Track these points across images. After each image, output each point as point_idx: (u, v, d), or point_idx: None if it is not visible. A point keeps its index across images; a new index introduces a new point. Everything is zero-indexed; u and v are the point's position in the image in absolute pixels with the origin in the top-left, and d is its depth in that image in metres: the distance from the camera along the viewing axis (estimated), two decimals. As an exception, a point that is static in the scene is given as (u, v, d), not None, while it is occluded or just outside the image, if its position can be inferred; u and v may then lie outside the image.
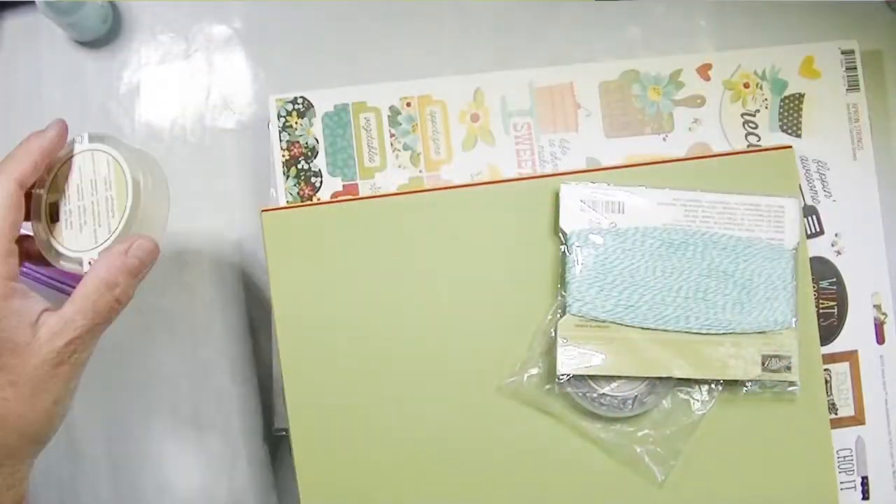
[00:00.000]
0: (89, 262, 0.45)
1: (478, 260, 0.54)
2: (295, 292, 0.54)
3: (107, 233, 0.46)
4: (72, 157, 0.47)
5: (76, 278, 0.47)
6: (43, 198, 0.47)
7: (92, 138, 0.47)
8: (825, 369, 0.56)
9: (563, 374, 0.52)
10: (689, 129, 0.58)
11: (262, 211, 0.54)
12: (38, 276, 0.57)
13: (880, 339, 0.57)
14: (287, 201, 0.57)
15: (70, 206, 0.46)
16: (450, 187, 0.55)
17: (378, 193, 0.56)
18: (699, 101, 0.58)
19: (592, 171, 0.56)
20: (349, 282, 0.54)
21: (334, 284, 0.54)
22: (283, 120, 0.57)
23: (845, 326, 0.57)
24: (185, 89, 0.60)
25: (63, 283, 0.57)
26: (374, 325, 0.54)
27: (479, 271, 0.54)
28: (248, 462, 0.58)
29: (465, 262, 0.54)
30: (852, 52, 0.58)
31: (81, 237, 0.46)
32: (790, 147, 0.55)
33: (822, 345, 0.55)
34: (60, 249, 0.46)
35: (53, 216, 0.46)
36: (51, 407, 0.42)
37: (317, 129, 0.57)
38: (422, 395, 0.53)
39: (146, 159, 0.48)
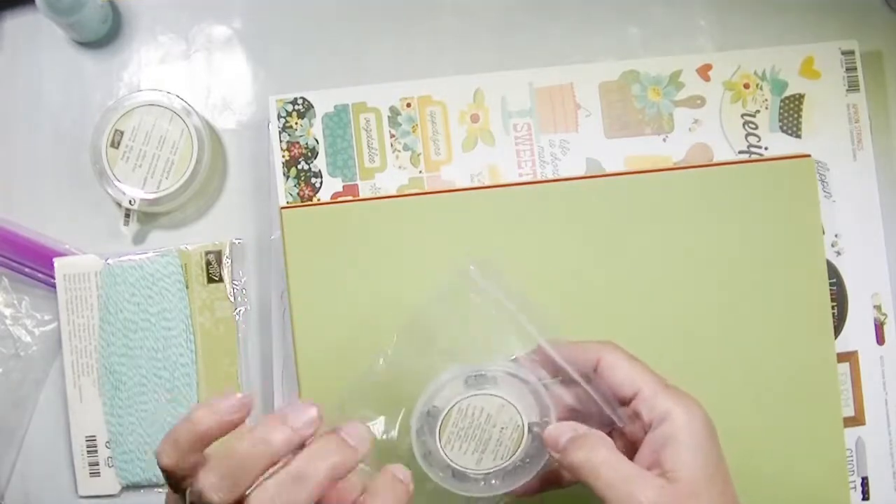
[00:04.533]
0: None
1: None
2: (313, 289, 0.54)
3: None
4: None
5: (32, 258, 0.56)
6: None
7: None
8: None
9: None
10: (689, 129, 0.58)
11: (282, 208, 0.54)
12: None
13: (880, 339, 0.57)
14: (287, 202, 0.57)
15: None
16: (485, 187, 0.55)
17: (404, 193, 0.56)
18: (699, 101, 0.58)
19: (597, 176, 0.56)
20: (370, 280, 0.54)
21: (356, 283, 0.54)
22: (283, 120, 0.57)
23: (845, 327, 0.57)
24: (185, 90, 0.60)
25: (21, 264, 0.58)
26: (393, 324, 0.54)
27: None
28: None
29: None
30: (852, 52, 0.58)
31: None
32: (809, 156, 0.55)
33: (821, 345, 0.56)
34: None
35: None
36: None
37: (317, 129, 0.57)
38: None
39: None
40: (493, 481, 0.44)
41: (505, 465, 0.44)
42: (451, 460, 0.44)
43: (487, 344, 0.45)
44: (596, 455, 0.40)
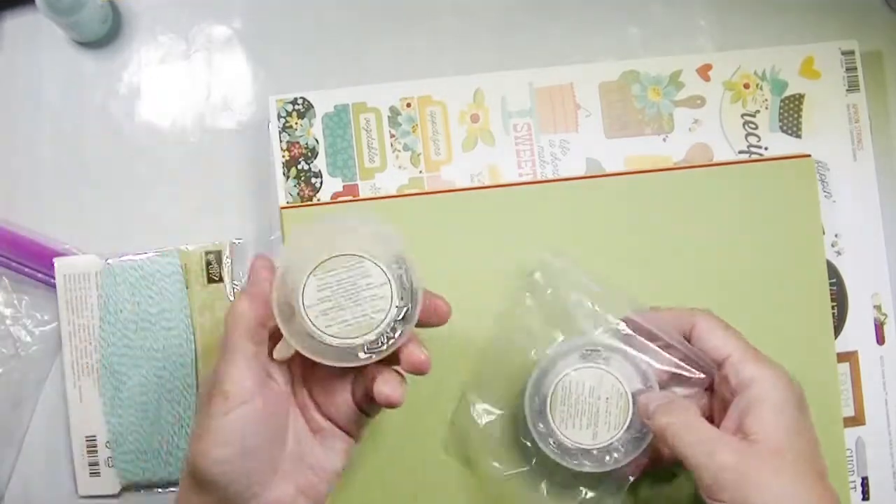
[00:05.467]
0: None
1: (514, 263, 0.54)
2: None
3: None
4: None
5: (32, 258, 0.56)
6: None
7: None
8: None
9: None
10: (689, 129, 0.58)
11: (282, 208, 0.54)
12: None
13: (880, 339, 0.57)
14: (287, 202, 0.57)
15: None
16: (485, 187, 0.56)
17: (404, 193, 0.56)
18: (699, 101, 0.58)
19: (597, 176, 0.56)
20: None
21: None
22: (283, 120, 0.57)
23: (845, 327, 0.57)
24: (185, 90, 0.60)
25: (21, 264, 0.58)
26: None
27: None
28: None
29: (497, 265, 0.54)
30: (852, 52, 0.58)
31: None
32: (809, 156, 0.55)
33: (822, 345, 0.56)
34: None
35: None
36: None
37: (317, 129, 0.57)
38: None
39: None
40: (615, 454, 0.46)
41: (620, 434, 0.46)
42: (568, 437, 0.46)
43: (581, 322, 0.48)
44: (678, 419, 0.43)
